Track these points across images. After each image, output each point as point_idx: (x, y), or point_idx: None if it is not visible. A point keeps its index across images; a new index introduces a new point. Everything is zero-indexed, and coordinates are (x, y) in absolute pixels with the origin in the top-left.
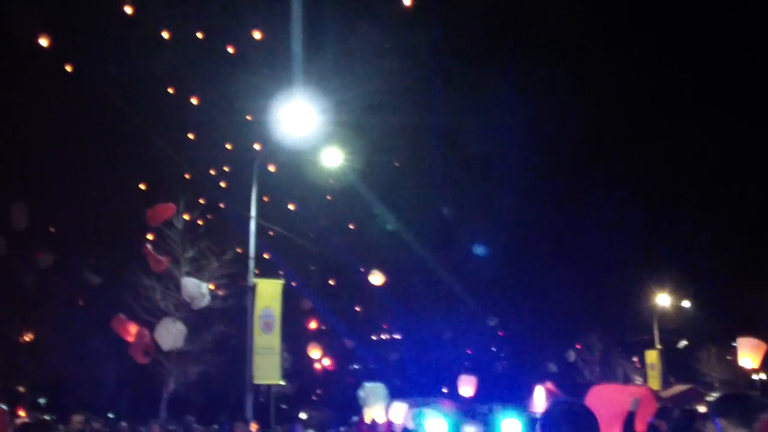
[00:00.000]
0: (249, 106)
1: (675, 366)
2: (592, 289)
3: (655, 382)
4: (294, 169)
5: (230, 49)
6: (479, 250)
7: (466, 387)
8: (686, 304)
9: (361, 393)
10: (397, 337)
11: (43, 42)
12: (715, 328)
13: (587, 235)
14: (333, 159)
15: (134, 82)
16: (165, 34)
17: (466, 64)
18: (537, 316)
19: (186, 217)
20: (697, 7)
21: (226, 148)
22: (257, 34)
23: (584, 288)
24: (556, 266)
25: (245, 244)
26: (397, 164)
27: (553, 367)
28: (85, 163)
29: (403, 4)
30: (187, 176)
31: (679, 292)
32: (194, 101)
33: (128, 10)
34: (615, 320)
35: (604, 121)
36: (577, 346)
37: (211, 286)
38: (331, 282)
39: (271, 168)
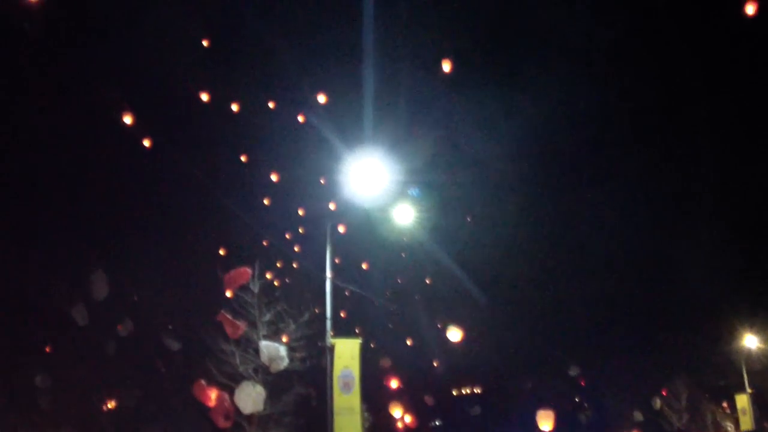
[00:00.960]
0: (321, 168)
1: None
2: (676, 331)
3: (747, 428)
4: (368, 228)
5: (300, 118)
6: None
7: (545, 421)
8: None
9: None
10: (478, 390)
11: (128, 119)
12: None
13: (669, 278)
14: (405, 216)
15: (208, 152)
16: (234, 107)
17: (526, 116)
18: (619, 363)
19: (269, 275)
20: (700, 7)
21: (301, 210)
22: (324, 97)
23: (668, 331)
24: (638, 310)
25: (322, 305)
26: (468, 219)
27: (638, 416)
28: (163, 231)
29: (443, 70)
30: (265, 243)
31: (766, 332)
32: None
33: (204, 97)
34: (701, 363)
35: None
36: (663, 392)
37: (284, 338)
38: (408, 341)
39: (341, 229)
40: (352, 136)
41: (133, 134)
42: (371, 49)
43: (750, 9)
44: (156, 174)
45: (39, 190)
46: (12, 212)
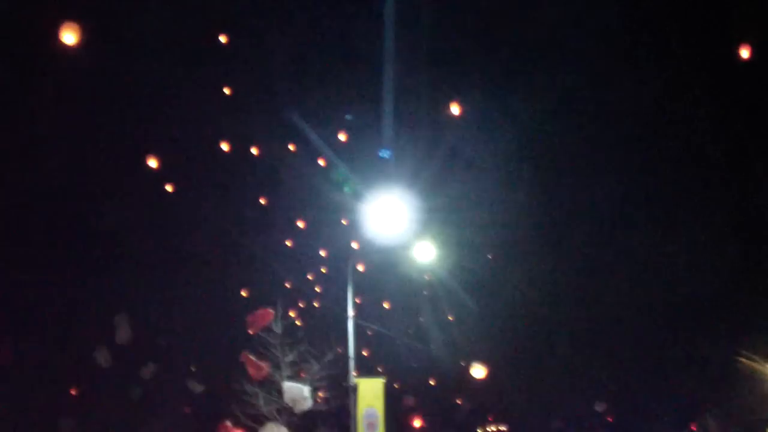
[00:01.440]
0: (342, 207)
1: None
2: (706, 363)
3: None
4: (390, 266)
5: (321, 162)
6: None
7: None
8: None
9: None
10: (504, 429)
11: (153, 163)
12: None
13: (701, 307)
14: (426, 254)
15: (229, 194)
16: (254, 150)
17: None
18: (647, 397)
19: (292, 314)
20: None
21: (323, 251)
22: (345, 136)
23: (697, 363)
24: (665, 341)
25: (344, 344)
26: (489, 256)
27: None
28: (186, 273)
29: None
30: (287, 285)
31: None
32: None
33: (224, 146)
34: (732, 397)
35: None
36: (692, 428)
37: (306, 376)
38: (431, 381)
39: (360, 267)
40: (372, 175)
41: (156, 179)
42: (391, 89)
43: (744, 53)
44: (178, 217)
45: (63, 234)
46: (38, 256)
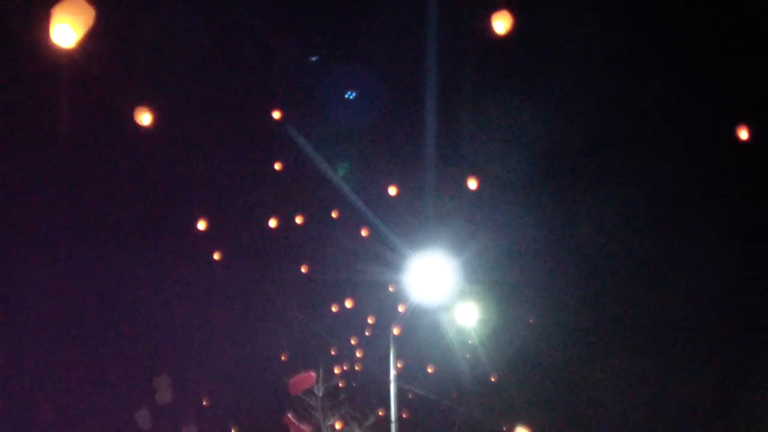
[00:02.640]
0: (387, 270)
1: None
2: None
3: None
4: (433, 329)
5: (364, 232)
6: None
7: None
8: None
9: None
10: None
11: (200, 226)
12: None
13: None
14: (469, 316)
15: (273, 261)
16: (299, 219)
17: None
18: None
19: (336, 370)
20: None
21: (365, 314)
22: (395, 189)
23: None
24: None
25: (386, 408)
26: (530, 321)
27: None
28: (229, 336)
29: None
30: (333, 353)
31: None
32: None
33: (272, 223)
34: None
35: None
36: None
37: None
38: None
39: (395, 330)
40: (417, 237)
41: (203, 246)
42: (433, 151)
43: (743, 134)
44: (221, 282)
45: (105, 297)
46: (82, 317)
